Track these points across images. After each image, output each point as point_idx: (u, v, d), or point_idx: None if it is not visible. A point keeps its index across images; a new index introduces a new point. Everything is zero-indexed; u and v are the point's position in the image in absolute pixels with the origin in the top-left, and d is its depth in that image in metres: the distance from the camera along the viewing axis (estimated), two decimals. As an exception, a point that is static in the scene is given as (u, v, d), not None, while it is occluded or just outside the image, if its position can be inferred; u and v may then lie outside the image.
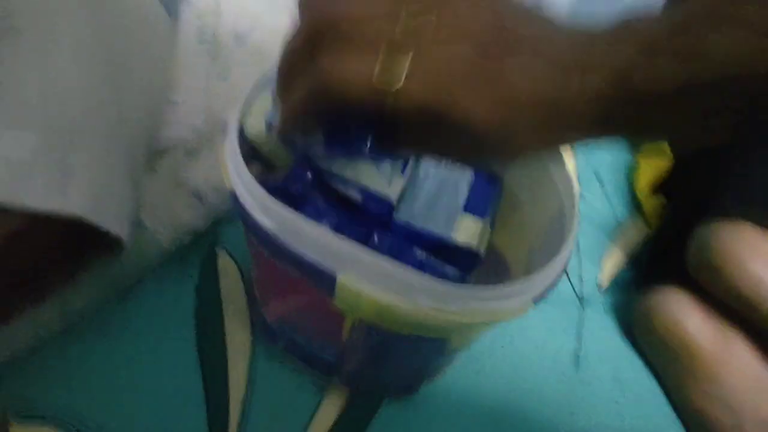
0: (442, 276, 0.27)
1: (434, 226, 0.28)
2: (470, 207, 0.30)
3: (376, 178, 0.28)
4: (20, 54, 0.26)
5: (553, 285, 0.25)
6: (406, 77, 0.19)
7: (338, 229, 0.26)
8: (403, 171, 0.29)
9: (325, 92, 0.20)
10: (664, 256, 0.47)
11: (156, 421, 0.33)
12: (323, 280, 0.23)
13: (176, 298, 0.37)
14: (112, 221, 0.27)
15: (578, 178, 0.55)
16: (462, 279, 0.28)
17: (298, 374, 0.37)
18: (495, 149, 0.21)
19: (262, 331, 0.37)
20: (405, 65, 0.19)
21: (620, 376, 0.43)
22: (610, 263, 0.49)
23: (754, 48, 0.18)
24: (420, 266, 0.27)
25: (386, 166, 0.29)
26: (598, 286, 0.48)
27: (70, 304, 0.33)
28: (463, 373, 0.40)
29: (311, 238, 0.22)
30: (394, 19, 0.19)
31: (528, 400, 0.40)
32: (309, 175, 0.27)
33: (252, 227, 0.23)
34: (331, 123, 0.23)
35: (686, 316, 0.42)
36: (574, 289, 0.47)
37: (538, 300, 0.24)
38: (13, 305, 0.29)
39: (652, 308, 0.43)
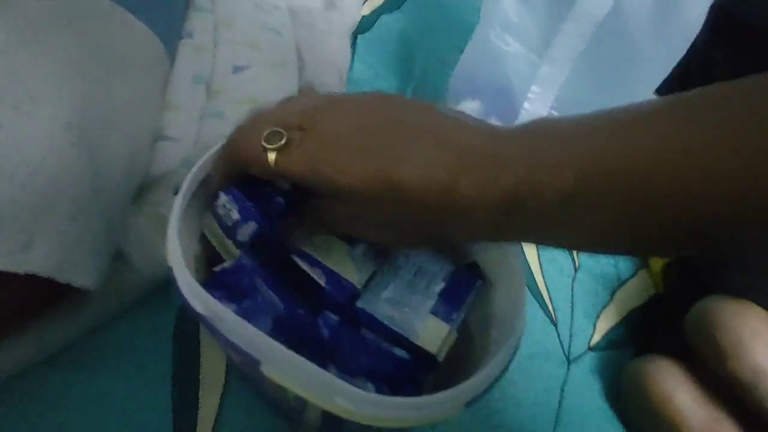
0: (394, 359, 0.27)
1: (397, 323, 0.28)
2: (438, 310, 0.29)
3: (346, 262, 0.28)
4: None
5: (487, 390, 0.24)
6: (291, 147, 0.24)
7: (282, 318, 0.26)
8: (376, 259, 0.29)
9: (230, 154, 0.28)
10: (663, 321, 0.46)
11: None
12: (252, 365, 0.23)
13: (155, 329, 0.38)
14: (78, 275, 0.28)
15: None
16: (414, 372, 0.28)
17: (267, 416, 0.37)
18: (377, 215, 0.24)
19: (236, 369, 0.38)
20: (287, 137, 0.24)
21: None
22: (606, 322, 0.47)
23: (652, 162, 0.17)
24: (368, 348, 0.27)
25: (359, 252, 0.29)
26: (589, 345, 0.46)
27: (49, 335, 0.34)
28: (438, 429, 0.39)
29: (235, 330, 0.23)
30: (297, 113, 0.25)
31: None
32: (252, 265, 0.27)
33: (187, 308, 0.24)
34: (243, 182, 0.28)
35: (678, 392, 0.40)
36: (562, 347, 0.45)
37: (470, 404, 0.23)
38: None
39: (644, 377, 0.42)
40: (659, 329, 0.46)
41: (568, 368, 0.44)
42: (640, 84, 0.46)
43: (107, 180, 0.32)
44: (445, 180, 0.21)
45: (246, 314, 0.24)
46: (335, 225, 0.27)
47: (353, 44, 0.56)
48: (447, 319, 0.28)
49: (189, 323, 0.39)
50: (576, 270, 0.49)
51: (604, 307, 0.48)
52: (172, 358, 0.37)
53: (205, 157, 0.30)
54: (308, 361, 0.22)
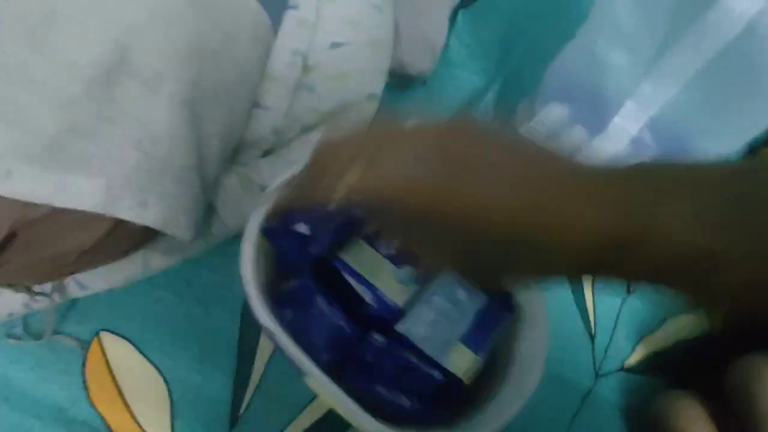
0: (431, 381, 0.31)
1: (430, 348, 0.31)
2: (468, 339, 0.31)
3: (391, 282, 0.31)
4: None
5: None
6: (366, 171, 0.25)
7: (335, 334, 0.31)
8: (417, 283, 0.32)
9: (307, 179, 0.30)
10: (709, 362, 0.45)
11: (195, 364, 0.42)
12: (298, 371, 0.28)
13: (233, 271, 0.45)
14: (179, 230, 0.35)
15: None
16: (446, 393, 0.31)
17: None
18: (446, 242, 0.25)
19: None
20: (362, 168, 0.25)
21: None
22: (647, 348, 0.47)
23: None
24: (408, 369, 0.31)
25: (404, 274, 0.32)
26: (623, 366, 0.47)
27: (150, 262, 0.42)
28: None
29: (288, 347, 0.28)
30: (371, 141, 0.27)
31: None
32: (314, 286, 0.32)
33: (251, 314, 0.29)
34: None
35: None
36: (594, 361, 0.47)
37: None
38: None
39: (671, 413, 0.42)
40: (702, 368, 0.45)
41: (595, 382, 0.46)
42: (761, 117, 0.42)
43: (208, 148, 0.37)
44: (530, 210, 0.22)
45: (306, 324, 0.29)
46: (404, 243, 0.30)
47: (453, 19, 0.54)
48: (474, 348, 0.31)
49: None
50: (629, 291, 0.49)
51: (650, 334, 0.48)
52: (243, 299, 0.44)
53: (280, 180, 0.33)
54: (340, 390, 0.26)
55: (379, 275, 0.32)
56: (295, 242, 0.32)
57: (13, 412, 0.39)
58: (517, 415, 0.31)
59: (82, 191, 0.29)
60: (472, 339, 0.31)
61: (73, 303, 0.42)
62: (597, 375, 0.46)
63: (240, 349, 0.43)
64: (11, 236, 0.29)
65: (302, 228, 0.32)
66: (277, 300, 0.31)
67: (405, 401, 0.30)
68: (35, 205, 0.28)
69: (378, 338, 0.31)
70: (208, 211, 0.42)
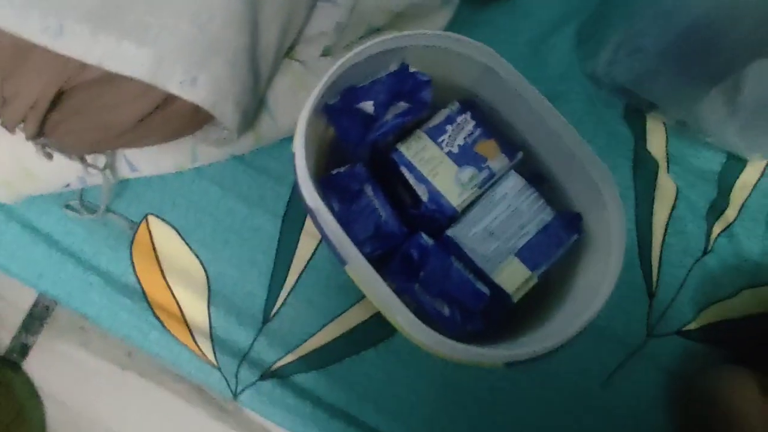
0: (474, 292, 0.29)
1: (480, 258, 0.29)
2: (524, 254, 0.29)
3: (451, 184, 0.29)
4: None
5: (533, 361, 0.25)
6: None
7: (382, 227, 0.29)
8: (480, 187, 0.29)
9: None
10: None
11: (234, 260, 0.43)
12: (339, 261, 0.27)
13: (279, 175, 0.44)
14: (227, 115, 0.33)
15: (743, 205, 0.45)
16: (489, 307, 0.29)
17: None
18: None
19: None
20: None
21: (641, 417, 0.41)
22: (713, 316, 0.43)
23: None
24: (452, 275, 0.29)
25: (466, 176, 0.29)
26: (679, 330, 0.43)
27: (199, 150, 0.41)
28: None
29: (333, 231, 0.26)
30: None
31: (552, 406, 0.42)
32: (366, 173, 0.29)
33: (299, 195, 0.27)
34: None
35: (753, 410, 0.37)
36: (648, 320, 0.43)
37: (512, 366, 0.25)
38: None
39: (728, 393, 0.38)
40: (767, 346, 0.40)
41: (645, 341, 0.43)
42: None
43: (265, 33, 0.35)
44: None
45: (351, 216, 0.27)
46: None
47: None
48: (531, 264, 0.29)
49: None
50: (706, 252, 0.44)
51: (720, 301, 0.43)
52: (286, 202, 0.44)
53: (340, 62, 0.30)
54: (382, 281, 0.25)
55: (438, 173, 0.30)
56: (357, 122, 0.30)
57: (77, 269, 0.42)
58: (557, 350, 0.28)
59: (133, 58, 0.28)
60: (529, 254, 0.29)
61: (125, 185, 0.43)
62: (649, 335, 0.43)
63: (278, 251, 0.43)
64: (60, 95, 0.29)
65: (368, 107, 0.29)
66: (323, 184, 0.30)
67: (445, 309, 0.28)
68: (86, 67, 0.28)
69: (426, 239, 0.29)
70: (259, 109, 0.41)
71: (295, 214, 0.44)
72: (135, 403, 0.57)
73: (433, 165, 0.30)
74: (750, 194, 0.45)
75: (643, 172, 0.45)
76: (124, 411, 0.57)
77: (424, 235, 0.29)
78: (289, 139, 0.43)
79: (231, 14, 0.32)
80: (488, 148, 0.32)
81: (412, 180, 0.30)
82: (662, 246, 0.44)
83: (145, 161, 0.40)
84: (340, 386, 0.41)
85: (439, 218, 0.29)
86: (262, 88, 0.38)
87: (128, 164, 0.40)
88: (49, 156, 0.33)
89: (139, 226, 0.43)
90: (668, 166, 0.46)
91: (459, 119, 0.32)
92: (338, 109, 0.30)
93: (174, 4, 0.30)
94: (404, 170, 0.30)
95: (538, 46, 0.48)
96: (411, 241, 0.29)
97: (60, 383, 0.57)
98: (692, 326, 0.43)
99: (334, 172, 0.31)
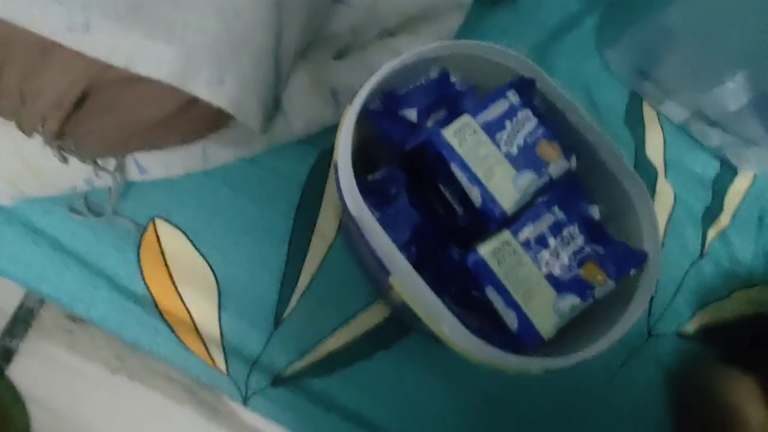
0: (502, 321, 0.28)
1: (511, 288, 0.27)
2: (562, 285, 0.27)
3: (508, 187, 0.27)
4: None
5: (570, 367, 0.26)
6: None
7: (419, 230, 0.28)
8: (533, 192, 0.28)
9: None
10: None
11: (244, 262, 0.42)
12: (383, 269, 0.26)
13: (289, 175, 0.43)
14: (251, 117, 0.33)
15: (736, 210, 0.47)
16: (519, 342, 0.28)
17: (359, 275, 0.43)
18: None
19: (344, 233, 0.43)
20: None
21: (642, 414, 0.43)
22: (708, 317, 0.45)
23: None
24: (485, 306, 0.28)
25: (525, 180, 0.28)
26: (677, 331, 0.45)
27: (209, 154, 0.40)
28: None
29: (377, 238, 0.25)
30: None
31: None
32: (403, 177, 0.29)
33: (342, 206, 0.27)
34: None
35: (750, 405, 0.39)
36: (648, 320, 0.45)
37: (552, 373, 0.25)
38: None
39: (725, 391, 0.40)
40: (761, 346, 0.43)
41: (646, 341, 0.44)
42: None
43: (288, 32, 0.34)
44: None
45: (388, 221, 0.26)
46: None
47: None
48: (572, 295, 0.27)
49: (319, 183, 0.43)
50: (702, 255, 0.46)
51: (713, 302, 0.45)
52: (297, 203, 0.43)
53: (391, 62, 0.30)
54: (430, 290, 0.24)
55: (495, 176, 0.27)
56: (400, 128, 0.29)
57: (83, 272, 0.40)
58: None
59: (161, 58, 0.27)
60: (568, 285, 0.27)
61: (131, 187, 0.41)
62: (649, 334, 0.45)
63: (290, 253, 0.42)
64: (84, 97, 0.27)
65: (411, 114, 0.28)
66: (361, 188, 0.27)
67: (473, 320, 0.28)
68: (111, 67, 0.26)
69: (457, 252, 0.28)
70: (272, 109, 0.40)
71: (306, 214, 0.43)
72: (125, 407, 0.55)
73: (488, 164, 0.27)
74: (743, 200, 0.47)
75: (643, 178, 0.47)
76: (114, 415, 0.55)
77: (455, 249, 0.29)
78: (299, 140, 0.43)
79: (256, 12, 0.31)
80: (550, 150, 0.28)
81: (464, 181, 0.27)
82: (661, 248, 0.46)
83: (155, 163, 0.39)
84: (351, 389, 0.41)
85: (491, 225, 0.28)
86: (280, 88, 0.38)
87: (137, 166, 0.39)
88: (64, 159, 0.32)
89: (146, 229, 0.41)
90: (666, 172, 0.48)
91: (520, 115, 0.29)
92: (380, 113, 0.29)
93: (198, 2, 0.29)
94: (455, 169, 0.27)
95: (543, 51, 0.49)
96: (442, 254, 0.29)
97: (46, 388, 0.54)
98: (689, 326, 0.45)
99: (370, 178, 0.30)
